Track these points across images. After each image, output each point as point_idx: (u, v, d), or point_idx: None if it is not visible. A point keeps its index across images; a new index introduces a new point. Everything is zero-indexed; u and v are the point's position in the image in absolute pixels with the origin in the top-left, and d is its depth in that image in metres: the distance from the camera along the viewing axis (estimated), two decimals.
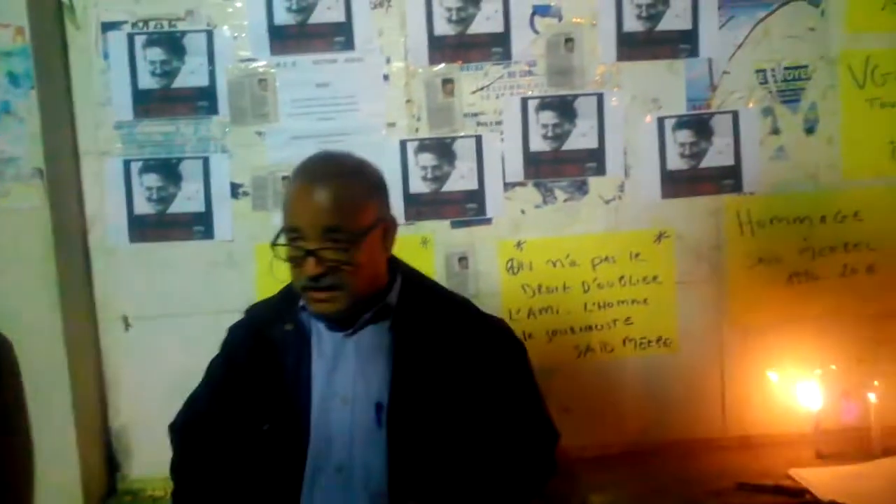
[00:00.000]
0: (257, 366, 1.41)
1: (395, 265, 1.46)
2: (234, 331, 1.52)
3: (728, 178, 2.23)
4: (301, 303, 1.40)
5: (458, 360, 1.37)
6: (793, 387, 2.15)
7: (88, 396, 2.12)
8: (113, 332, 2.19)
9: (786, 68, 2.21)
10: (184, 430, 1.48)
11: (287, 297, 1.44)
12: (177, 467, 1.46)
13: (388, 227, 1.40)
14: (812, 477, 1.91)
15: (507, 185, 2.21)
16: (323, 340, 1.40)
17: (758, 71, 2.21)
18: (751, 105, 2.21)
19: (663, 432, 2.21)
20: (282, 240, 1.33)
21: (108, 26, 2.14)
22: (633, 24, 2.18)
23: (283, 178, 2.18)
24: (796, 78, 2.21)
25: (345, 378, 1.37)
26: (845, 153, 2.22)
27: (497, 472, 1.35)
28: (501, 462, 1.36)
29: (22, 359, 1.98)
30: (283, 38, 2.16)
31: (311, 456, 1.35)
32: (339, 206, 1.30)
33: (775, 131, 2.22)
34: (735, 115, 2.21)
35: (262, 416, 1.37)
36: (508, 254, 2.21)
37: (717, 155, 2.22)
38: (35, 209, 1.98)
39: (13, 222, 1.97)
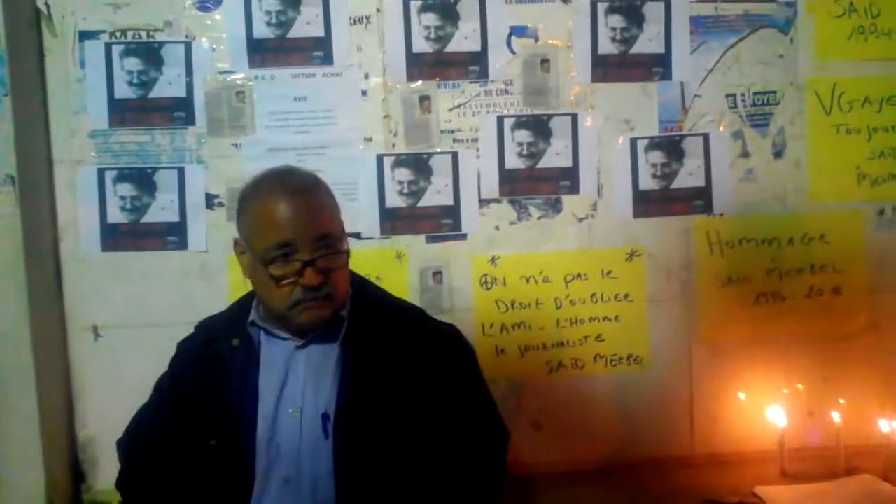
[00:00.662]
0: (204, 382, 1.40)
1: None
2: (183, 347, 1.52)
3: (699, 199, 2.27)
4: (250, 318, 1.40)
5: (406, 367, 1.38)
6: (760, 406, 2.18)
7: (55, 406, 2.09)
8: (82, 342, 2.16)
9: (755, 93, 2.26)
10: (128, 445, 1.48)
11: (237, 312, 1.45)
12: (121, 482, 1.46)
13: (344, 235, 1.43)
14: (777, 495, 1.93)
15: (483, 202, 2.23)
16: (273, 354, 1.40)
17: (728, 95, 2.26)
18: (721, 128, 2.26)
19: (633, 449, 2.23)
20: (268, 258, 1.32)
21: (85, 35, 2.14)
22: (607, 47, 2.23)
23: None
24: (765, 103, 2.27)
25: (294, 390, 1.37)
26: (812, 177, 2.28)
27: (448, 475, 1.35)
28: (452, 465, 1.36)
29: None
30: (262, 52, 2.18)
31: (259, 469, 1.34)
32: (325, 213, 1.34)
33: (745, 154, 2.27)
34: (706, 137, 2.26)
35: (208, 431, 1.36)
36: (483, 269, 2.23)
37: (689, 176, 2.26)
38: (6, 216, 1.97)
39: None
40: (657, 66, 2.24)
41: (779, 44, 2.26)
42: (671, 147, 2.26)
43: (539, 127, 2.23)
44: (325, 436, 1.34)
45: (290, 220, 1.30)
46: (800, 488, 1.97)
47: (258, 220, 1.34)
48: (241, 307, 1.47)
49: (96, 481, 2.17)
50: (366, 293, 1.47)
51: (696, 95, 2.25)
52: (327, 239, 1.32)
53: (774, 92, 2.27)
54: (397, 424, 1.35)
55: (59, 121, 2.14)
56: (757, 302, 2.27)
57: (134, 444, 1.47)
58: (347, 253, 1.38)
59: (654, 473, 2.14)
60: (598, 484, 2.09)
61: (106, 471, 2.15)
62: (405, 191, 2.21)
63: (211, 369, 1.40)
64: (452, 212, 2.22)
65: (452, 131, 2.22)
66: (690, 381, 2.26)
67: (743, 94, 2.26)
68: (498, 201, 2.23)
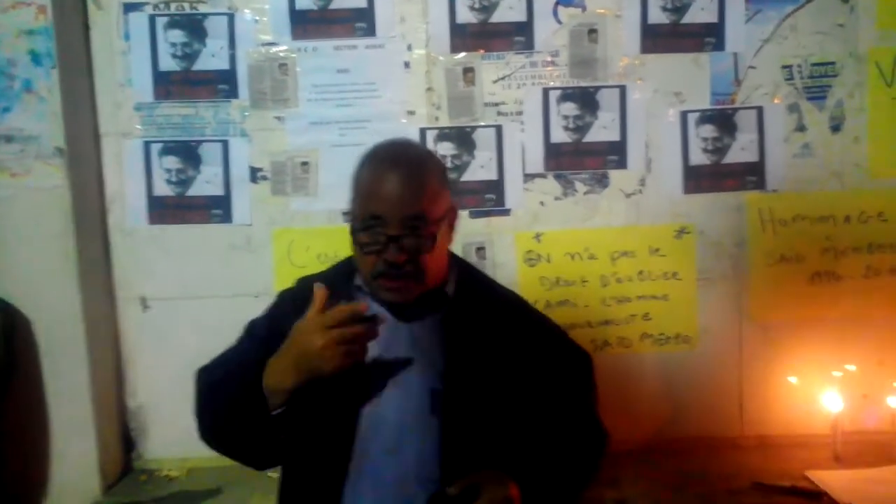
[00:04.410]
0: None
1: (452, 258, 1.46)
2: (284, 298, 1.49)
3: (751, 175, 2.20)
4: (357, 282, 1.39)
5: (515, 355, 1.37)
6: (812, 388, 2.12)
7: (106, 376, 2.13)
8: (131, 313, 2.19)
9: (813, 64, 2.17)
10: (206, 368, 1.44)
11: (342, 275, 1.43)
12: (197, 399, 1.40)
13: (453, 217, 1.40)
14: (829, 479, 1.88)
15: (527, 176, 2.19)
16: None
17: (784, 66, 2.17)
18: (776, 101, 2.18)
19: (680, 429, 2.19)
20: (360, 226, 1.31)
21: (129, 7, 2.14)
22: (657, 16, 2.16)
23: (303, 163, 2.18)
24: (823, 74, 2.18)
25: (399, 362, 1.36)
26: (871, 152, 2.19)
27: (548, 464, 1.35)
28: (553, 455, 1.36)
29: (41, 337, 1.99)
30: (305, 23, 2.15)
31: (360, 435, 1.34)
32: (421, 193, 1.30)
33: (800, 128, 2.19)
34: (760, 110, 2.18)
35: (311, 389, 1.33)
36: (527, 245, 2.19)
37: (741, 151, 2.19)
38: (55, 188, 1.99)
39: (34, 200, 1.98)
40: (709, 37, 2.16)
41: (838, 12, 2.16)
42: (723, 120, 2.18)
43: (586, 99, 2.17)
44: (432, 412, 1.33)
45: (384, 195, 1.29)
46: (854, 473, 1.92)
47: (359, 187, 1.34)
48: (339, 271, 1.45)
49: (146, 449, 2.21)
50: (473, 276, 1.47)
51: (749, 67, 2.17)
52: (417, 220, 1.29)
53: (833, 63, 2.17)
54: (502, 407, 1.34)
55: (104, 94, 2.16)
56: (811, 281, 2.20)
57: (214, 367, 1.43)
58: (434, 238, 1.31)
59: (701, 455, 2.10)
60: (644, 464, 2.06)
61: (155, 439, 2.21)
62: (448, 165, 2.17)
63: None
64: (496, 187, 2.19)
65: (496, 104, 2.17)
66: (740, 361, 2.21)
67: (799, 66, 2.17)
68: (543, 176, 2.19)
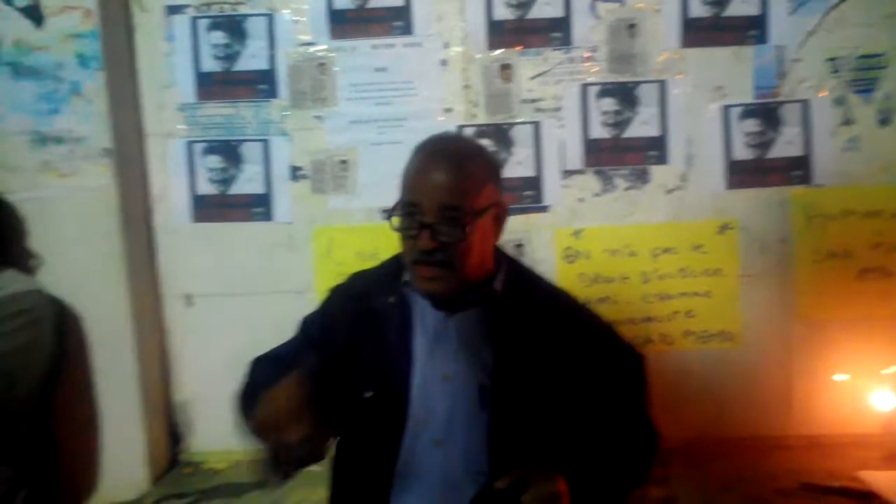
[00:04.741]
0: (357, 332, 1.41)
1: (501, 253, 1.46)
2: (336, 294, 1.52)
3: (797, 170, 2.15)
4: (405, 277, 1.41)
5: (566, 353, 1.36)
6: (863, 386, 2.07)
7: (153, 371, 2.17)
8: (176, 309, 2.24)
9: (860, 57, 2.12)
10: (260, 359, 1.46)
11: (392, 270, 1.44)
12: (242, 394, 1.41)
13: (500, 213, 1.39)
14: (881, 480, 1.84)
15: (566, 173, 2.18)
16: (425, 317, 1.40)
17: (830, 59, 2.13)
18: (822, 94, 2.14)
19: (724, 428, 2.16)
20: (399, 211, 1.33)
21: (172, 10, 2.18)
22: (698, 10, 2.13)
23: (342, 161, 2.19)
24: (871, 67, 2.13)
25: (446, 356, 1.37)
26: None
27: (599, 461, 1.33)
28: (604, 452, 1.34)
29: (90, 334, 2.03)
30: (343, 23, 2.17)
31: (409, 426, 1.35)
32: (459, 185, 1.30)
33: (848, 122, 2.14)
34: (805, 104, 2.14)
35: (364, 383, 1.37)
36: (565, 242, 2.18)
37: (786, 145, 2.15)
38: (103, 188, 2.03)
39: (82, 201, 2.02)
40: (752, 29, 2.13)
41: (886, 3, 2.10)
42: (767, 114, 2.14)
43: (625, 95, 2.15)
44: (482, 406, 1.34)
45: (423, 183, 1.32)
46: None
47: (406, 174, 1.36)
48: (391, 266, 1.46)
49: (192, 442, 2.25)
50: (522, 273, 1.47)
51: (794, 59, 2.13)
52: (453, 211, 1.29)
53: (881, 55, 2.12)
54: (550, 403, 1.34)
55: (149, 95, 2.20)
56: (860, 278, 2.15)
57: (269, 359, 1.46)
58: (469, 230, 1.30)
59: (746, 454, 2.07)
60: (690, 463, 2.03)
61: (201, 433, 2.25)
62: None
63: (366, 321, 1.41)
64: (534, 183, 2.18)
65: (534, 100, 2.17)
66: (788, 359, 2.17)
67: (846, 58, 2.12)
68: (582, 172, 2.18)
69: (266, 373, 1.39)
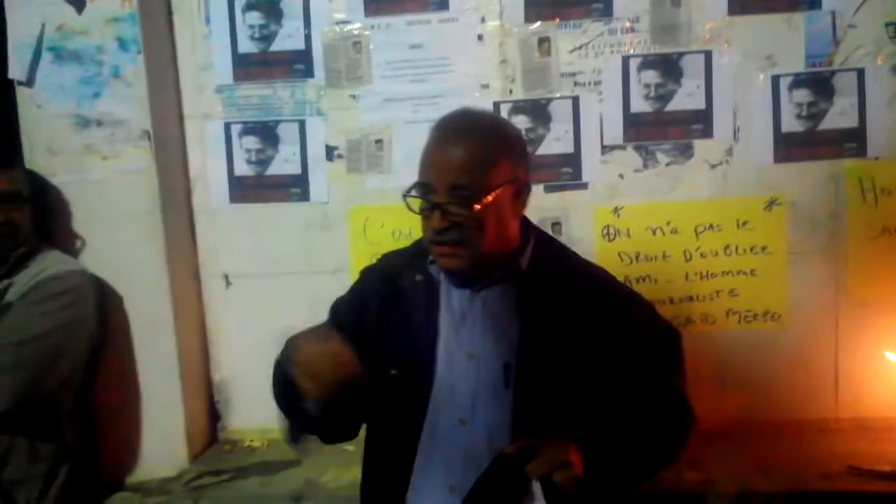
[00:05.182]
0: (385, 311, 1.42)
1: (529, 228, 1.45)
2: (366, 275, 1.54)
3: (850, 142, 2.05)
4: (431, 257, 1.41)
5: (594, 330, 1.34)
6: None
7: (192, 350, 2.21)
8: (215, 289, 2.27)
9: None
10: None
11: (419, 250, 1.45)
12: (276, 377, 1.43)
13: (520, 189, 1.38)
14: None
15: (605, 149, 2.12)
16: (451, 295, 1.40)
17: (888, 24, 2.02)
18: (879, 62, 2.03)
19: (768, 411, 2.10)
20: (415, 192, 1.34)
21: None
22: None
23: (377, 141, 2.18)
24: None
25: (471, 334, 1.37)
26: None
27: (628, 441, 1.32)
28: (633, 433, 1.33)
29: (131, 313, 2.08)
30: (378, 0, 2.14)
31: (433, 405, 1.35)
32: (467, 164, 1.30)
33: None
34: (860, 72, 2.03)
35: (390, 361, 1.38)
36: (605, 220, 2.13)
37: (839, 116, 2.05)
38: (143, 170, 2.06)
39: (123, 183, 2.06)
40: None
41: None
42: (819, 84, 2.05)
43: (668, 67, 2.08)
44: (506, 385, 1.33)
45: (433, 162, 1.33)
46: None
47: (422, 153, 1.37)
48: (419, 246, 1.47)
49: (230, 421, 2.29)
50: (547, 247, 1.45)
51: (849, 26, 2.03)
52: (462, 189, 1.29)
53: None
54: (579, 380, 1.33)
55: (187, 77, 2.22)
56: None
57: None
58: (478, 207, 1.30)
59: (791, 437, 2.01)
60: (731, 445, 1.98)
61: (239, 411, 2.28)
62: (523, 138, 2.13)
63: (394, 301, 1.43)
64: (573, 160, 2.13)
65: (573, 74, 2.11)
66: (835, 340, 2.09)
67: None
68: (622, 147, 2.12)
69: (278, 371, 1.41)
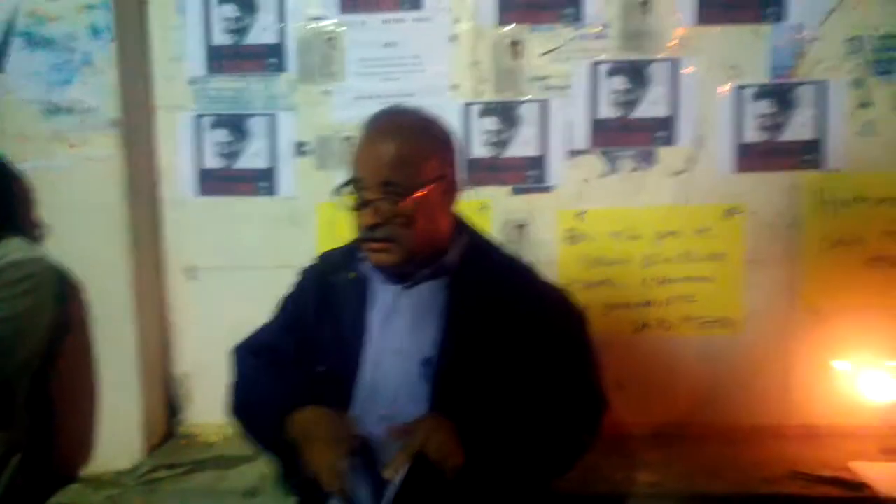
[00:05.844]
0: (320, 309, 1.46)
1: (461, 226, 1.47)
2: (305, 273, 1.58)
3: (809, 153, 2.10)
4: (362, 254, 1.43)
5: (511, 322, 1.37)
6: (863, 378, 2.03)
7: (153, 343, 2.21)
8: (179, 282, 2.27)
9: (881, 37, 2.05)
10: (243, 349, 1.54)
11: (354, 247, 1.48)
12: (235, 383, 1.51)
13: (449, 185, 1.40)
14: (874, 471, 1.81)
15: (572, 153, 2.15)
16: (381, 292, 1.43)
17: (850, 39, 2.06)
18: (840, 76, 2.07)
19: (720, 415, 2.14)
20: (347, 188, 1.37)
21: None
22: None
23: (347, 137, 2.20)
24: (892, 48, 2.05)
25: (398, 331, 1.40)
26: None
27: (537, 431, 1.34)
28: (542, 422, 1.35)
29: (92, 303, 2.07)
30: None
31: (357, 402, 1.38)
32: (397, 160, 1.33)
33: (865, 104, 2.07)
34: (822, 85, 2.07)
35: (317, 357, 1.42)
36: (568, 223, 2.16)
37: (800, 128, 2.09)
38: (110, 158, 2.06)
39: (90, 171, 2.05)
40: (770, 6, 2.07)
41: None
42: (781, 96, 2.09)
43: (635, 73, 2.11)
44: (425, 379, 1.36)
45: (363, 159, 1.36)
46: None
47: (354, 150, 1.40)
48: (351, 244, 1.50)
49: (189, 415, 2.29)
50: (477, 244, 1.47)
51: (813, 39, 2.06)
52: (392, 186, 1.32)
53: None
54: (496, 375, 1.35)
55: (159, 67, 2.21)
56: (869, 266, 2.10)
57: (250, 347, 1.54)
58: (407, 204, 1.33)
59: (741, 441, 2.06)
60: (682, 448, 2.03)
61: (199, 405, 2.29)
62: (491, 140, 2.15)
63: (327, 299, 1.46)
64: (539, 163, 2.16)
65: (543, 78, 2.14)
66: (788, 348, 2.13)
67: (867, 38, 2.05)
68: (588, 152, 2.15)
69: (252, 368, 1.48)
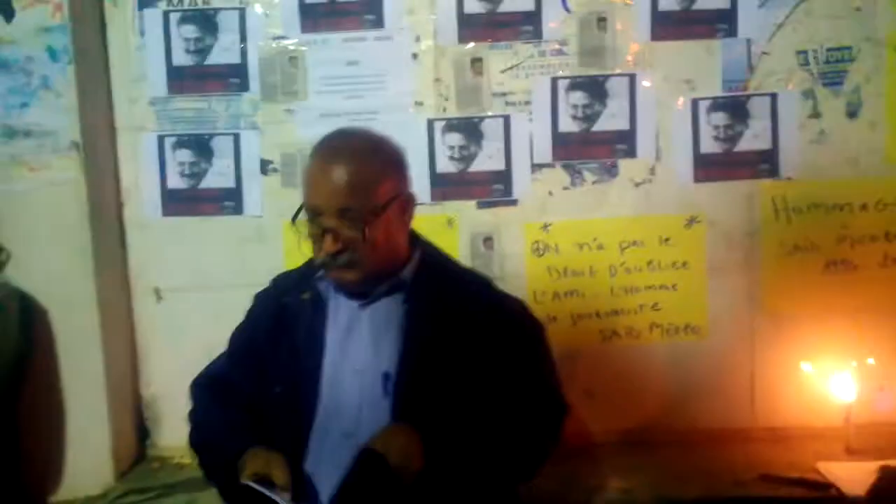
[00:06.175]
0: (275, 332, 1.45)
1: (416, 240, 1.48)
2: (259, 298, 1.58)
3: (764, 163, 2.16)
4: (319, 273, 1.44)
5: (468, 335, 1.38)
6: (826, 379, 2.08)
7: (120, 365, 2.18)
8: (145, 304, 2.24)
9: (828, 49, 2.13)
10: (199, 383, 1.55)
11: (309, 267, 1.48)
12: (191, 414, 1.52)
13: (405, 203, 1.42)
14: (840, 471, 1.86)
15: (535, 167, 2.18)
16: (339, 310, 1.43)
17: (799, 52, 2.13)
18: (790, 87, 2.15)
19: (689, 421, 2.17)
20: (303, 216, 1.38)
21: (144, 3, 2.18)
22: (668, 3, 2.13)
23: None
24: (839, 60, 2.13)
25: (357, 348, 1.40)
26: (889, 138, 2.14)
27: (498, 440, 1.35)
28: (503, 431, 1.35)
29: (56, 327, 2.02)
30: (314, 16, 2.17)
31: (319, 420, 1.38)
32: (353, 186, 1.33)
33: (816, 115, 2.15)
34: (773, 97, 2.15)
35: (274, 379, 1.42)
36: (534, 236, 2.19)
37: (754, 138, 2.16)
38: (72, 181, 2.03)
39: (51, 194, 2.02)
40: (722, 23, 2.13)
41: None
42: (735, 108, 2.15)
43: (595, 88, 2.16)
44: (385, 394, 1.36)
45: (318, 188, 1.36)
46: (865, 465, 1.87)
47: (304, 178, 1.41)
48: (307, 265, 1.50)
49: (160, 438, 2.26)
50: (431, 258, 1.49)
51: (763, 53, 2.14)
52: (351, 212, 1.33)
53: (849, 48, 2.13)
54: (456, 388, 1.36)
55: (120, 89, 2.20)
56: (826, 271, 2.17)
57: (206, 382, 1.54)
58: (368, 228, 1.34)
59: (710, 446, 2.09)
60: (652, 454, 2.05)
61: (170, 428, 2.24)
62: (456, 156, 2.18)
63: (282, 321, 1.46)
64: (504, 177, 2.19)
65: (504, 94, 2.17)
66: (752, 352, 2.18)
67: (815, 51, 2.13)
68: (551, 166, 2.18)
69: (205, 407, 1.49)
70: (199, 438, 1.49)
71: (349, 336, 1.41)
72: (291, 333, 1.43)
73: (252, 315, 1.55)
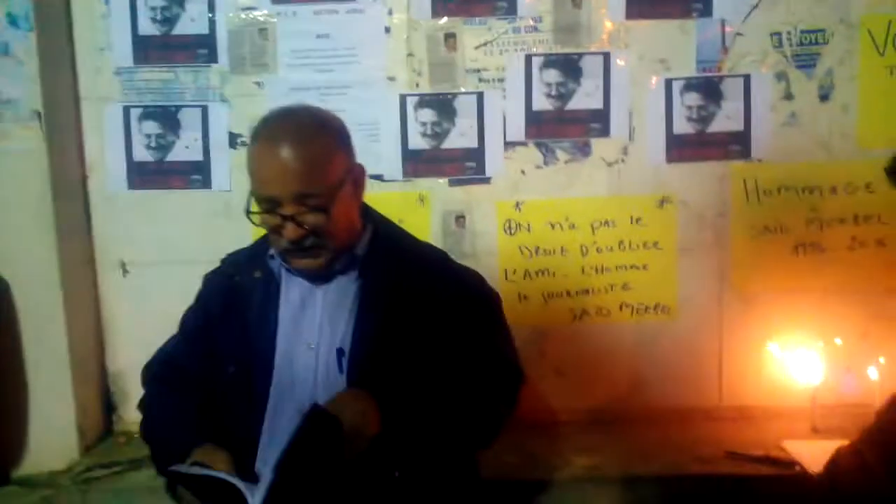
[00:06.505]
0: (227, 312, 1.43)
1: (366, 213, 1.46)
2: (208, 279, 1.55)
3: (736, 144, 2.17)
4: (271, 252, 1.41)
5: (422, 308, 1.37)
6: (793, 359, 2.10)
7: (85, 339, 2.14)
8: (111, 277, 2.20)
9: (802, 31, 2.13)
10: (153, 370, 1.52)
11: (260, 247, 1.47)
12: (143, 404, 1.50)
13: (357, 176, 1.39)
14: (805, 450, 1.87)
15: (508, 145, 2.17)
16: (291, 288, 1.41)
17: (773, 34, 2.13)
18: (764, 69, 2.14)
19: (658, 399, 2.19)
20: (256, 207, 1.33)
21: None
22: None
23: None
24: (813, 42, 2.14)
25: (311, 325, 1.39)
26: (861, 122, 2.15)
27: (454, 409, 1.34)
28: (459, 400, 1.34)
29: (18, 301, 2.00)
30: None
31: (273, 397, 1.36)
32: (308, 169, 1.29)
33: (788, 97, 2.15)
34: (747, 78, 2.14)
35: (227, 359, 1.40)
36: (506, 214, 2.18)
37: (726, 120, 2.16)
38: (33, 151, 1.98)
39: (12, 164, 1.97)
40: (696, 2, 2.12)
41: None
42: (709, 88, 2.15)
43: (569, 66, 2.14)
44: (340, 370, 1.35)
45: (273, 176, 1.30)
46: (831, 444, 1.89)
47: (251, 167, 1.35)
48: (264, 242, 1.48)
49: (126, 412, 2.22)
50: (386, 233, 1.46)
51: (737, 34, 2.13)
52: (309, 197, 1.29)
53: (823, 30, 2.13)
54: (411, 362, 1.34)
55: (84, 58, 2.14)
56: (795, 252, 2.18)
57: (158, 369, 1.51)
58: (330, 208, 1.31)
59: (678, 424, 2.11)
60: (620, 432, 2.07)
61: (135, 402, 2.19)
62: (428, 132, 2.16)
63: (234, 301, 1.43)
64: (476, 154, 2.17)
65: (478, 70, 2.15)
66: (720, 332, 2.20)
67: (789, 33, 2.13)
68: (524, 144, 2.17)
69: (160, 393, 1.47)
70: (149, 432, 1.46)
71: (302, 313, 1.39)
72: (243, 312, 1.41)
73: (202, 296, 1.52)
